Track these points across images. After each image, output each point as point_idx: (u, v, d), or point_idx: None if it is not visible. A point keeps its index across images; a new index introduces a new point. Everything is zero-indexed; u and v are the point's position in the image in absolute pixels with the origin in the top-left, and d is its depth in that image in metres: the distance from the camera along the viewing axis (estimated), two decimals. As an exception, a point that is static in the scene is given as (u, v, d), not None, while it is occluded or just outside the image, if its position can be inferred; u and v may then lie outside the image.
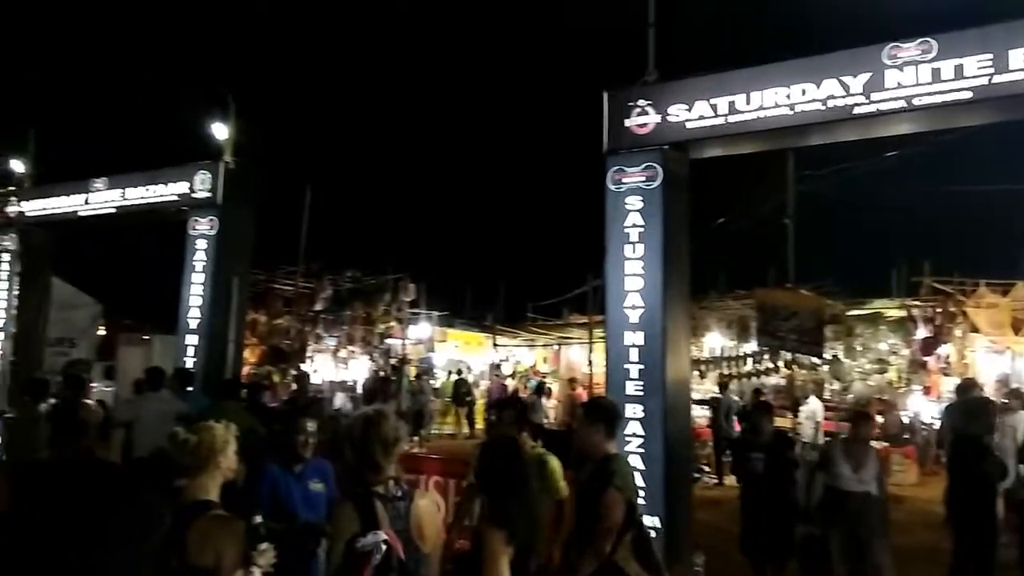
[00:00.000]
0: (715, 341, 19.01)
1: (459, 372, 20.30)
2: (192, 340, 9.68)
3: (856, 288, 17.57)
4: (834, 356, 16.71)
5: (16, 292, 11.86)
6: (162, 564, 2.97)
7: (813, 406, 13.16)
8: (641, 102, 7.12)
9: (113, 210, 10.95)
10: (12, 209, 12.05)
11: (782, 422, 10.79)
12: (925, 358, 15.45)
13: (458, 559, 4.65)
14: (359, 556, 2.77)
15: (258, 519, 3.28)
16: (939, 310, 15.28)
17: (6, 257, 11.99)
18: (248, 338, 15.47)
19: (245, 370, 14.49)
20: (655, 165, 6.95)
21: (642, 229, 6.91)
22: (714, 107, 6.80)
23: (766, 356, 16.66)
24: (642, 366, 6.75)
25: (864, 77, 6.20)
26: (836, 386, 16.81)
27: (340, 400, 16.16)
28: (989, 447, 7.10)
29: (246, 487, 4.07)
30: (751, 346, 17.06)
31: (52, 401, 8.64)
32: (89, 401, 9.31)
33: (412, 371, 19.62)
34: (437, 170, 47.36)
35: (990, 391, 12.38)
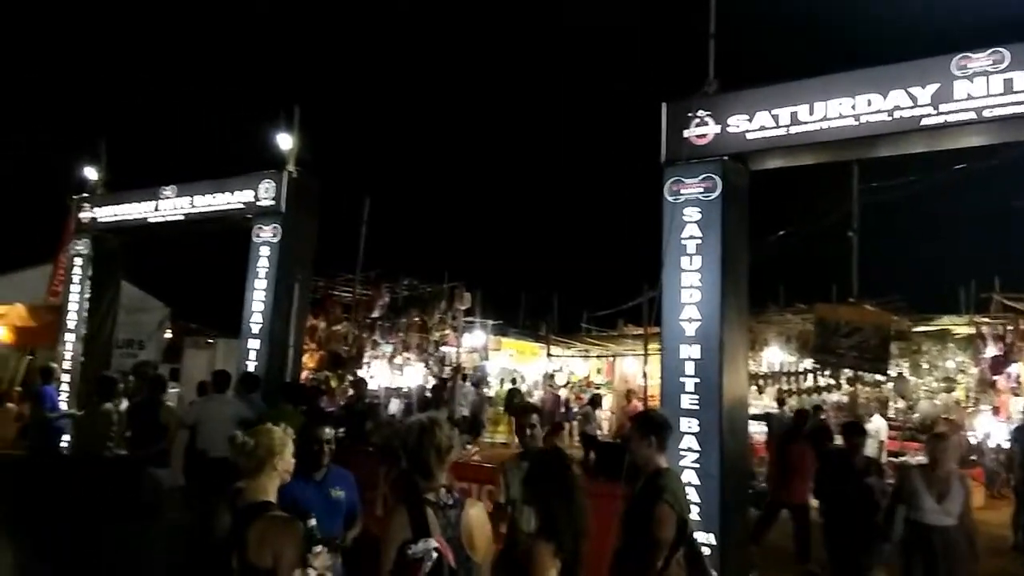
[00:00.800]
0: (774, 356, 18.68)
1: (513, 381, 20.31)
2: (254, 344, 9.87)
3: (923, 304, 17.06)
4: (899, 374, 16.26)
5: (88, 295, 12.29)
6: (223, 564, 3.04)
7: (877, 424, 12.79)
8: (700, 113, 7.05)
9: (181, 217, 11.25)
10: (85, 215, 12.50)
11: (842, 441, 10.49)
12: (994, 377, 14.94)
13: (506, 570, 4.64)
14: (410, 563, 2.79)
15: (312, 522, 3.35)
16: (1010, 327, 14.76)
17: (79, 261, 12.44)
18: (307, 343, 15.76)
19: (304, 375, 14.77)
20: (714, 176, 6.86)
21: (700, 241, 6.81)
22: (775, 118, 6.69)
23: (827, 372, 16.30)
24: (698, 380, 6.63)
25: (932, 88, 6.03)
26: (901, 404, 16.34)
27: (395, 406, 16.34)
28: None
29: None
30: (811, 362, 16.70)
31: (124, 400, 8.96)
32: (171, 403, 9.62)
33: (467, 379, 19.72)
34: (494, 180, 47.71)
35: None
